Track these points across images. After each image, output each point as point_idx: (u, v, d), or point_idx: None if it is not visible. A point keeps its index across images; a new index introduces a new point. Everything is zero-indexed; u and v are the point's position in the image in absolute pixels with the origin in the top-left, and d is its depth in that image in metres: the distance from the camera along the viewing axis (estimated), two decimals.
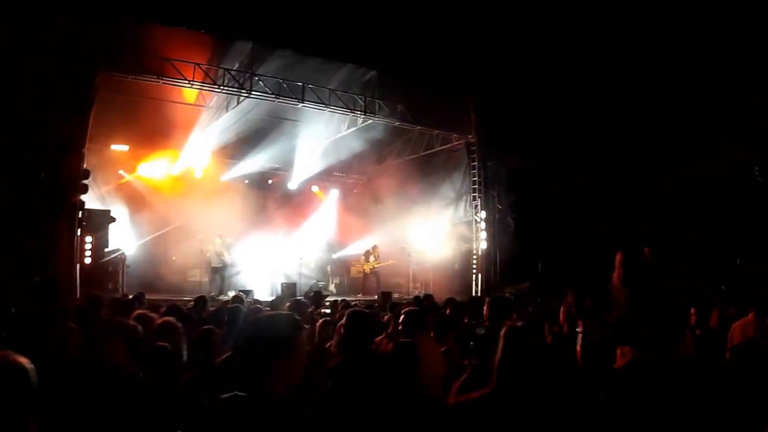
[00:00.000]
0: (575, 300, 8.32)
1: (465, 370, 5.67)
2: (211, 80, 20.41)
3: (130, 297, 13.59)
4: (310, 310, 12.69)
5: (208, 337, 7.06)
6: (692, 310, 9.30)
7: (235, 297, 14.66)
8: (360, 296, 24.08)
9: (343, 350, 6.05)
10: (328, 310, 13.93)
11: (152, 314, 7.63)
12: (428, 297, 15.16)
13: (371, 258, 26.80)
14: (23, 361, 2.79)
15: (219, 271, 23.68)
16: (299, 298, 16.21)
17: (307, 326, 4.31)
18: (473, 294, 23.59)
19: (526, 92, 22.16)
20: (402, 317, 7.11)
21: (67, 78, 16.56)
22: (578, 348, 6.11)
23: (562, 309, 8.12)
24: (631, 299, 6.48)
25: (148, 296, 14.63)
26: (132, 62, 18.89)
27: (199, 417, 3.37)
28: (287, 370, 3.42)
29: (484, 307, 8.84)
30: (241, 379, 3.45)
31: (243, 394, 3.34)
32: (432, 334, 7.46)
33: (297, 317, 3.77)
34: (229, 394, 3.36)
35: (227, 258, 23.90)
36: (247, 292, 19.28)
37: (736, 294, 12.03)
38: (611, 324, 6.42)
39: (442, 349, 6.89)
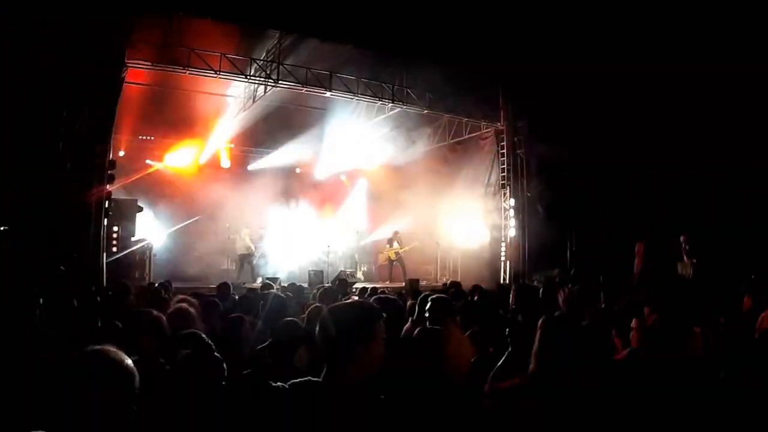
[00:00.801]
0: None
1: (490, 357, 5.62)
2: (238, 70, 20.39)
3: (156, 285, 13.59)
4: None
5: (238, 325, 6.93)
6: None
7: (264, 285, 14.63)
8: (388, 283, 24.00)
9: None
10: (355, 297, 13.86)
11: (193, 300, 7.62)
12: (455, 284, 15.06)
13: (394, 244, 26.78)
14: (128, 361, 2.70)
15: (247, 259, 23.81)
16: (327, 285, 16.18)
17: None
18: (501, 282, 23.51)
19: (557, 79, 21.94)
20: (429, 304, 7.05)
21: (95, 69, 16.65)
22: None
23: (562, 294, 8.06)
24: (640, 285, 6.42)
25: (174, 285, 14.64)
26: (159, 53, 18.97)
27: (271, 400, 3.37)
28: (366, 358, 3.41)
29: (511, 295, 8.78)
30: (317, 364, 3.51)
31: (317, 379, 3.39)
32: (458, 320, 7.36)
33: (377, 306, 3.78)
34: (303, 379, 3.42)
35: (253, 247, 23.98)
36: (274, 280, 19.33)
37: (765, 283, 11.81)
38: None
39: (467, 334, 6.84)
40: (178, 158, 26.04)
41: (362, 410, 3.23)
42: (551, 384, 4.21)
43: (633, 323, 6.63)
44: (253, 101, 23.06)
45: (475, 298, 10.74)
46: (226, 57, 19.96)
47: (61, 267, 14.79)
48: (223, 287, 12.09)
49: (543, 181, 25.11)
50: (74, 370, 2.60)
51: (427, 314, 6.96)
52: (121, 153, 22.82)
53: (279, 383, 3.40)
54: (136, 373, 2.66)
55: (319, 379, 3.36)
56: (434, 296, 7.31)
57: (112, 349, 2.72)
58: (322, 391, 3.28)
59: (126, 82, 18.72)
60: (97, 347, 2.72)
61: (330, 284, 17.68)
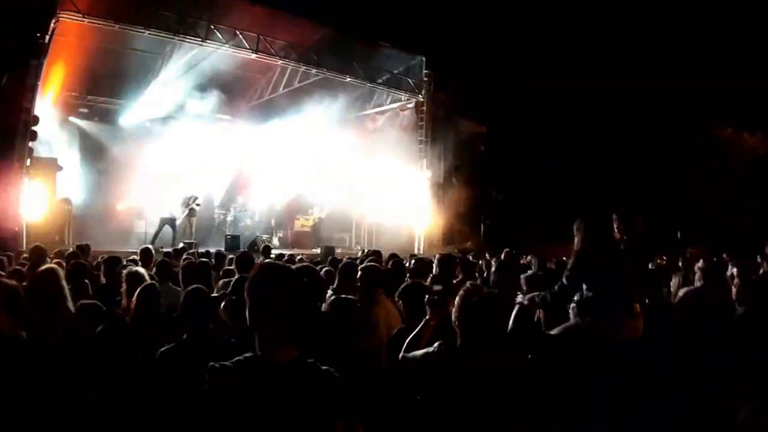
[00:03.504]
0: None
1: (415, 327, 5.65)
2: (168, 28, 20.18)
3: (72, 249, 13.28)
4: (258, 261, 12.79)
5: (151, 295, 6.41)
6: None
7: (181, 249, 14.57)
8: (303, 250, 24.16)
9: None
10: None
11: None
12: (375, 253, 15.21)
13: (314, 209, 27.06)
14: None
15: (169, 223, 23.35)
16: (244, 250, 16.28)
17: None
18: (415, 251, 23.86)
19: (478, 54, 22.26)
20: (360, 273, 7.07)
21: (23, 20, 16.28)
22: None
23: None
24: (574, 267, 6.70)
25: (94, 249, 14.46)
26: (89, 7, 18.58)
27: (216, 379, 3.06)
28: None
29: (434, 265, 9.02)
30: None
31: (256, 354, 3.16)
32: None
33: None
34: (246, 356, 3.16)
35: (181, 211, 23.80)
36: (190, 245, 19.35)
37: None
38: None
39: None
40: (101, 117, 25.63)
41: (304, 385, 3.08)
42: (464, 358, 4.35)
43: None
44: (180, 59, 22.75)
45: (389, 266, 10.74)
46: (158, 14, 19.76)
47: None
48: (145, 252, 11.82)
49: (460, 155, 25.53)
50: None
51: (358, 284, 7.01)
52: (46, 108, 22.28)
53: (221, 363, 3.06)
54: None
55: (258, 354, 3.12)
56: (364, 265, 7.30)
57: None
58: (265, 368, 3.09)
59: (57, 35, 18.44)
60: None
61: (246, 249, 17.85)
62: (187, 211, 23.83)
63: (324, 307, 6.20)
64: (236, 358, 3.15)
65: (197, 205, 24.09)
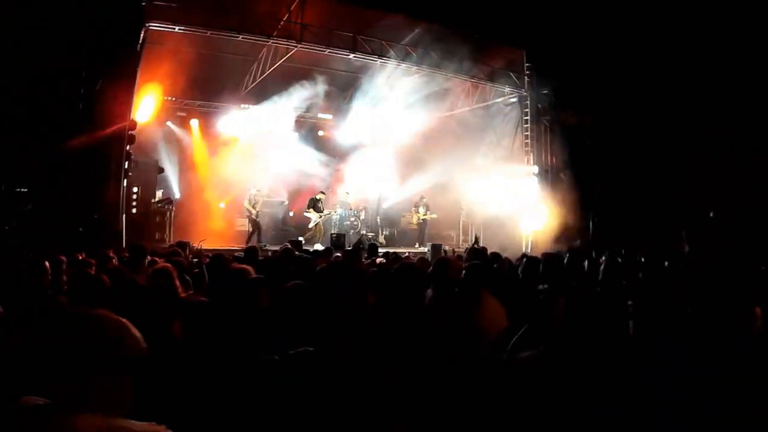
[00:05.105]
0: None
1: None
2: (261, 31, 20.09)
3: (169, 246, 13.52)
4: (364, 259, 12.64)
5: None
6: None
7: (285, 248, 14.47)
8: (410, 248, 23.92)
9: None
10: (383, 259, 13.75)
11: None
12: (483, 250, 14.85)
13: (420, 209, 26.73)
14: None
15: (254, 223, 23.55)
16: (349, 248, 16.08)
17: None
18: (524, 250, 23.34)
19: (581, 46, 21.57)
20: (465, 273, 6.78)
21: (116, 29, 16.52)
22: None
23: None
24: None
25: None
26: (179, 14, 18.65)
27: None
28: None
29: (540, 265, 8.56)
30: None
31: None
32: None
33: None
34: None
35: (254, 212, 23.72)
36: (296, 243, 19.27)
37: None
38: None
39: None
40: (200, 119, 26.07)
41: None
42: (563, 358, 4.04)
43: None
44: (277, 61, 22.71)
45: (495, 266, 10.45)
46: (250, 17, 19.70)
47: (80, 229, 14.77)
48: (251, 251, 11.75)
49: (567, 149, 24.82)
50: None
51: (464, 282, 6.70)
52: (144, 113, 22.54)
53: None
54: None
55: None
56: (469, 264, 7.05)
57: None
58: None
59: (151, 42, 18.63)
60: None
61: (351, 248, 17.62)
62: (321, 216, 24.46)
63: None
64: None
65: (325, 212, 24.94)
